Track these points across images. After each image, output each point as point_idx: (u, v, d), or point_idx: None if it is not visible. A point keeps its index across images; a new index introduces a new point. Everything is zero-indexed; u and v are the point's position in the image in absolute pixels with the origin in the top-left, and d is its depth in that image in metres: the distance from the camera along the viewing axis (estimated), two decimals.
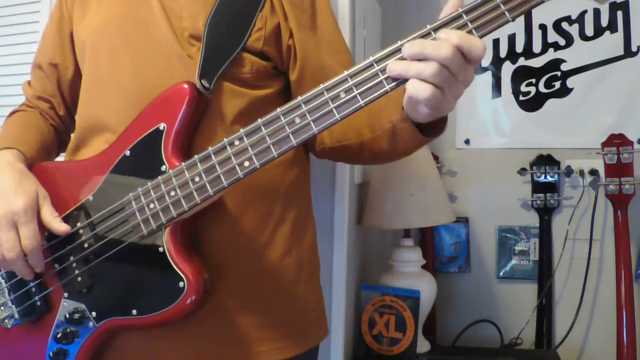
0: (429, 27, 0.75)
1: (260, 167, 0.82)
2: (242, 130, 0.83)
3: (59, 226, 0.91)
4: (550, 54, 2.00)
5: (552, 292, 1.97)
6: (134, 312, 0.88)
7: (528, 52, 2.02)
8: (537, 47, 2.02)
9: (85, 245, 0.91)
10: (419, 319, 1.69)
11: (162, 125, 0.89)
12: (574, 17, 1.98)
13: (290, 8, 0.99)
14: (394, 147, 0.93)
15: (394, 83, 0.76)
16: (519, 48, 2.03)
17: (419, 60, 0.73)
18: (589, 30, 1.97)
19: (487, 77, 2.07)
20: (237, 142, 0.83)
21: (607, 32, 1.95)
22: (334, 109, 0.78)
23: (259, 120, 0.82)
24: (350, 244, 1.54)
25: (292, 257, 1.00)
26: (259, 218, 0.96)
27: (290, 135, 0.80)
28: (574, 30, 1.98)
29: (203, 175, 0.84)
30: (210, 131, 0.93)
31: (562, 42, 1.99)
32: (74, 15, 1.06)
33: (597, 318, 1.94)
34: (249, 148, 0.82)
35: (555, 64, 2.00)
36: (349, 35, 1.47)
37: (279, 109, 0.81)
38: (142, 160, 0.90)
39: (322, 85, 0.79)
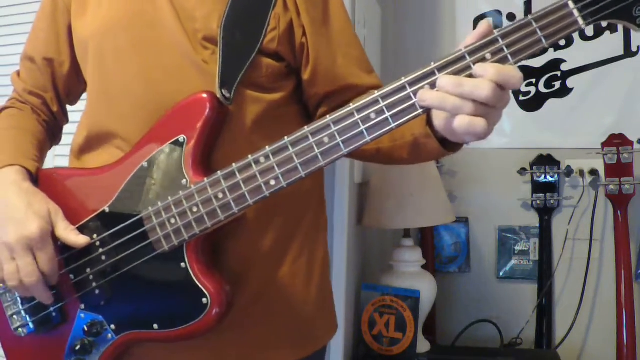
0: (463, 49, 0.73)
1: (287, 186, 0.80)
2: (268, 148, 0.80)
3: (77, 239, 0.88)
4: (550, 54, 2.00)
5: (552, 292, 1.97)
6: (155, 326, 0.86)
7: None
8: None
9: (103, 257, 0.89)
10: (419, 319, 1.70)
11: (181, 138, 0.86)
12: None
13: (303, 2, 0.95)
14: (415, 158, 0.92)
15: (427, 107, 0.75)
16: None
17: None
18: (589, 30, 1.97)
19: None
20: (262, 160, 0.80)
21: (607, 32, 1.95)
22: (364, 131, 0.77)
23: (286, 138, 0.80)
24: (350, 244, 1.54)
25: (307, 261, 1.00)
26: (277, 224, 0.95)
27: (319, 156, 0.78)
28: None
29: (227, 192, 0.82)
30: (229, 141, 0.90)
31: (562, 42, 1.99)
32: (72, 8, 1.00)
33: (597, 318, 1.94)
34: (276, 167, 0.80)
35: (555, 64, 2.00)
36: None
37: (306, 128, 0.79)
38: (160, 172, 0.87)
39: (352, 106, 0.77)
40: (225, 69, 0.88)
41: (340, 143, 0.78)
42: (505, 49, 0.72)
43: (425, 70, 0.74)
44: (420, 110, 0.75)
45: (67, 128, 1.13)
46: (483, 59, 0.72)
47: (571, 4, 0.71)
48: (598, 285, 1.94)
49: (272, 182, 0.80)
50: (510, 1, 2.04)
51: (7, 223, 0.87)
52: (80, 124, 1.02)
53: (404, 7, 2.13)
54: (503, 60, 0.72)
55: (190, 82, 0.89)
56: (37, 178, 0.96)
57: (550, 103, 2.01)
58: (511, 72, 0.71)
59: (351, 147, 0.78)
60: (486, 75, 0.71)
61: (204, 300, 0.84)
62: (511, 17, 2.03)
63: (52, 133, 1.09)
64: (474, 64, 0.72)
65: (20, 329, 0.93)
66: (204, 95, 0.87)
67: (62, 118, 1.11)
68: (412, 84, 0.75)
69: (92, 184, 0.92)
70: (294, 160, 0.79)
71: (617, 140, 1.79)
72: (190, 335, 0.85)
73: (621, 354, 1.73)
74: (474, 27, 2.09)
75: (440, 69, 0.74)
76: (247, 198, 0.82)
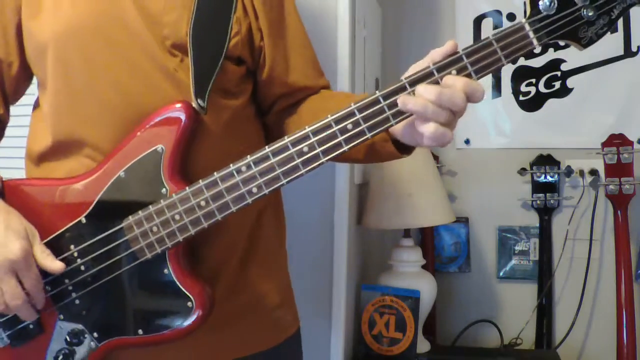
0: (432, 66, 0.80)
1: (269, 193, 0.84)
2: (249, 158, 0.84)
3: (52, 265, 0.87)
4: (550, 54, 2.00)
5: (552, 292, 1.97)
6: (140, 331, 0.88)
7: (528, 52, 2.02)
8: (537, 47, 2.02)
9: (82, 268, 0.89)
10: (419, 319, 1.70)
11: (159, 147, 0.88)
12: None
13: (262, 6, 0.97)
14: (370, 159, 0.96)
15: (400, 117, 0.81)
16: None
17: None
18: None
19: (487, 77, 2.06)
20: (244, 169, 0.84)
21: (607, 32, 1.94)
22: (342, 141, 0.82)
23: (267, 148, 0.83)
24: (350, 244, 1.54)
25: (273, 258, 1.03)
26: (240, 222, 0.97)
27: (300, 165, 0.83)
28: None
29: (210, 201, 0.85)
30: (202, 148, 0.91)
31: (562, 42, 1.99)
32: (24, 8, 0.95)
33: (597, 318, 1.94)
34: (258, 176, 0.84)
35: (555, 64, 2.00)
36: (349, 35, 1.47)
37: (286, 138, 0.83)
38: (139, 182, 0.88)
39: (330, 117, 0.82)
40: (197, 76, 0.89)
41: (320, 153, 0.83)
42: (469, 66, 0.80)
43: (397, 85, 0.81)
44: (393, 122, 0.81)
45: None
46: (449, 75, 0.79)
47: (527, 27, 0.80)
48: (598, 285, 1.94)
49: (255, 190, 0.84)
50: (510, 1, 2.04)
51: None
52: (37, 129, 0.99)
53: (404, 7, 2.13)
54: (468, 77, 0.79)
55: (161, 90, 0.90)
56: (3, 190, 0.92)
57: (550, 103, 2.01)
58: (477, 87, 0.79)
59: (330, 156, 0.83)
60: (456, 86, 0.78)
61: (189, 304, 0.87)
62: (511, 17, 2.03)
63: None
64: (441, 79, 0.79)
65: None
66: (181, 106, 0.88)
67: (6, 119, 1.06)
68: (385, 97, 0.81)
69: (64, 195, 0.91)
70: (275, 169, 0.83)
71: (617, 140, 1.79)
72: (176, 337, 0.88)
73: (621, 354, 1.73)
74: (474, 27, 2.11)
75: (412, 84, 0.80)
76: (231, 206, 0.85)
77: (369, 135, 0.81)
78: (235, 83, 0.97)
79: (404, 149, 0.90)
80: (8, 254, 0.84)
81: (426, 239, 2.04)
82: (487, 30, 2.05)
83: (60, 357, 0.89)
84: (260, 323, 1.00)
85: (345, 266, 1.48)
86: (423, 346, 1.75)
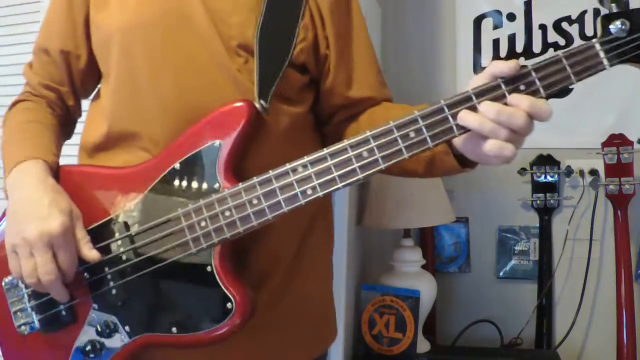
0: (499, 80, 0.78)
1: (323, 196, 0.81)
2: (306, 158, 0.81)
3: (89, 253, 0.86)
4: (550, 54, 2.00)
5: (552, 292, 1.97)
6: (174, 330, 0.85)
7: (528, 52, 2.02)
8: (537, 47, 2.02)
9: (124, 257, 0.87)
10: (419, 319, 1.70)
11: (217, 143, 0.86)
12: (574, 17, 1.98)
13: (329, 15, 0.96)
14: (429, 173, 0.93)
15: (464, 130, 0.78)
16: (519, 48, 2.03)
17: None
18: (589, 30, 1.97)
19: None
20: (300, 169, 0.82)
21: None
22: (403, 148, 0.79)
23: (325, 150, 0.81)
24: (350, 244, 1.54)
25: (318, 267, 1.02)
26: (292, 226, 0.95)
27: (357, 169, 0.80)
28: (573, 30, 1.98)
29: (262, 199, 0.82)
30: (259, 151, 0.90)
31: (562, 42, 1.99)
32: (92, 1, 0.97)
33: (597, 318, 1.94)
34: (313, 177, 0.81)
35: None
36: None
37: (346, 141, 0.80)
38: (192, 175, 0.87)
39: (391, 123, 0.79)
40: (261, 78, 0.88)
41: (380, 158, 0.80)
42: (537, 81, 0.78)
43: (462, 95, 0.79)
44: (457, 132, 0.78)
45: None
46: (517, 90, 0.77)
47: (598, 46, 0.78)
48: (598, 285, 1.94)
49: (309, 192, 0.81)
50: (510, 1, 2.04)
51: (29, 219, 0.84)
52: (93, 120, 0.99)
53: (404, 7, 2.13)
54: (535, 93, 0.78)
55: (222, 90, 0.89)
56: (58, 174, 0.93)
57: (550, 103, 2.00)
58: (543, 106, 0.77)
59: (389, 163, 0.80)
60: (521, 106, 0.76)
61: (229, 305, 0.83)
62: (511, 17, 2.03)
63: (65, 128, 1.05)
64: (509, 93, 0.77)
65: (23, 327, 0.91)
66: (243, 104, 0.87)
67: (76, 111, 1.07)
68: (450, 106, 0.78)
69: (116, 183, 0.90)
70: (332, 171, 0.81)
71: (617, 140, 1.79)
72: (211, 341, 0.85)
73: (621, 354, 1.73)
74: (474, 27, 2.11)
75: (477, 95, 0.78)
76: (282, 205, 0.82)
77: (431, 144, 0.78)
78: (297, 91, 0.96)
79: (466, 163, 0.86)
80: (48, 227, 0.83)
81: (426, 239, 2.04)
82: (487, 30, 2.05)
83: (89, 347, 0.87)
84: (300, 334, 0.98)
85: (345, 266, 1.49)
86: (423, 346, 1.75)
